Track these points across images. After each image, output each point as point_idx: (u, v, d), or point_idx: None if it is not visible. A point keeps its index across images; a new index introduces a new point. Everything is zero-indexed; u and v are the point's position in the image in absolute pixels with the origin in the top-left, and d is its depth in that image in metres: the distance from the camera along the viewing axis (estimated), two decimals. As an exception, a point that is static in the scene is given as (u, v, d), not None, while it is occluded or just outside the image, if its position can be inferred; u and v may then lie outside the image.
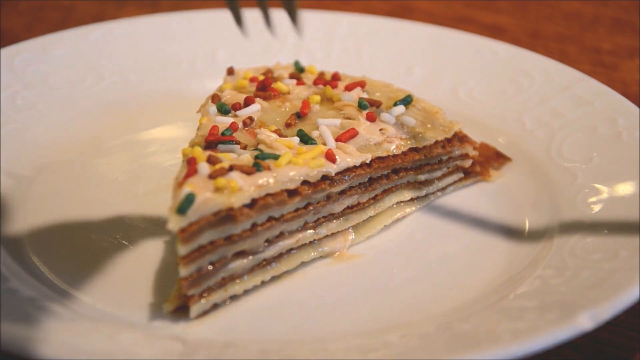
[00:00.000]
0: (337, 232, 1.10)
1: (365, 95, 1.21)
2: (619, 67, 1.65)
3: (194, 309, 0.96)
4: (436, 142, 1.17)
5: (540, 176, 1.21)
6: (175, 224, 0.91)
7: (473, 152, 1.22)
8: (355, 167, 1.07)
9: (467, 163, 1.22)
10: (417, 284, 1.04)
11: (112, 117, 1.36)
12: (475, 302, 0.99)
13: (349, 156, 1.07)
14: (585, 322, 0.85)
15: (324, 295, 1.03)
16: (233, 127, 1.10)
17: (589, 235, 1.04)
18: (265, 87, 1.20)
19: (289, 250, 1.05)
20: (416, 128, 1.17)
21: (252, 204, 0.97)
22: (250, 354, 0.89)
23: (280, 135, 1.09)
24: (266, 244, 1.01)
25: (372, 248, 1.11)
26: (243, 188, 0.96)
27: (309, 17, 1.58)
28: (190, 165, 0.97)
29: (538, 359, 0.85)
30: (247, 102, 1.16)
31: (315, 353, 0.90)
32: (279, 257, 1.04)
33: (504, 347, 0.82)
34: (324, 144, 1.08)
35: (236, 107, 1.15)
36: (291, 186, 1.01)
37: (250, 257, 1.00)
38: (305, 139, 1.08)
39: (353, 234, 1.11)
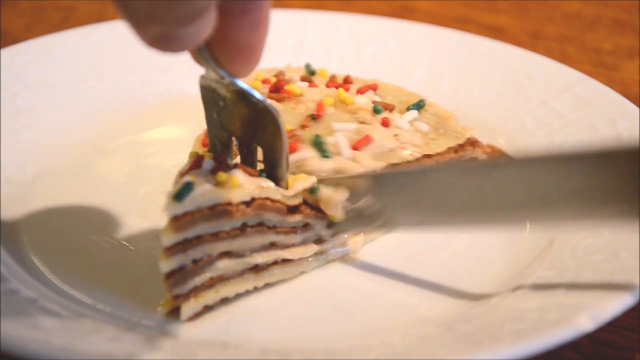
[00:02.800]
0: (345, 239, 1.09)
1: (377, 99, 1.21)
2: (620, 67, 1.65)
3: (185, 310, 0.95)
4: (449, 149, 1.16)
5: (541, 177, 1.20)
6: (171, 210, 0.91)
7: (483, 156, 1.21)
8: None
9: (475, 167, 1.21)
10: (419, 284, 1.04)
11: (112, 117, 1.36)
12: (476, 302, 0.99)
13: (363, 168, 1.06)
14: (586, 323, 0.85)
15: (325, 296, 1.03)
16: None
17: (589, 236, 1.04)
18: (278, 89, 1.21)
19: (287, 260, 1.03)
20: (429, 134, 1.17)
21: (250, 202, 0.96)
22: (250, 355, 0.89)
23: (294, 136, 1.09)
24: (258, 251, 1.00)
25: (373, 249, 1.11)
26: (244, 185, 0.95)
27: (310, 17, 1.58)
28: (195, 161, 0.97)
29: (538, 359, 0.85)
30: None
31: (315, 353, 0.90)
32: (274, 264, 1.02)
33: (505, 348, 0.82)
34: (339, 153, 1.08)
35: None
36: (293, 202, 1.01)
37: (239, 260, 0.99)
38: (322, 149, 1.08)
39: (362, 239, 1.11)
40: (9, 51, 1.39)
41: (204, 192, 0.92)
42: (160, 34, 0.78)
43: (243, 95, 0.95)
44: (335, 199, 1.02)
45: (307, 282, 1.04)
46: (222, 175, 0.94)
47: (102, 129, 1.34)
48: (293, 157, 1.05)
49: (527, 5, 1.94)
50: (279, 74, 1.27)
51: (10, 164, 1.20)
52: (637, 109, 1.25)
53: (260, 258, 1.00)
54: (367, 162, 1.07)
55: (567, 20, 1.87)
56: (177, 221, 0.91)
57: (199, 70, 0.96)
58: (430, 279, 1.05)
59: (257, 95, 0.95)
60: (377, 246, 1.11)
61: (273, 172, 0.99)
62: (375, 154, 1.10)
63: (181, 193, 0.91)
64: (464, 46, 1.48)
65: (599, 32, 1.81)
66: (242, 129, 0.98)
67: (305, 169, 1.05)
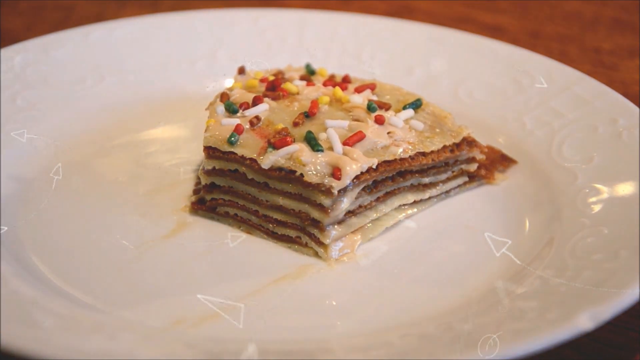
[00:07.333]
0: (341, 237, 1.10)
1: (374, 98, 1.21)
2: (619, 67, 1.65)
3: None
4: (444, 147, 1.16)
5: (541, 176, 1.21)
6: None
7: (480, 156, 1.21)
8: (361, 172, 1.07)
9: (473, 167, 1.21)
10: (418, 284, 1.04)
11: (112, 117, 1.36)
12: (475, 302, 0.99)
13: (355, 162, 1.06)
14: (585, 322, 0.85)
15: (325, 295, 1.03)
16: (238, 130, 1.10)
17: (589, 235, 1.04)
18: (274, 87, 1.21)
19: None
20: (424, 132, 1.16)
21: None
22: (251, 354, 0.89)
23: (288, 134, 1.09)
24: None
25: (373, 248, 1.11)
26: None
27: (310, 17, 1.58)
28: None
29: (538, 359, 0.85)
30: (256, 102, 1.16)
31: (316, 352, 0.90)
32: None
33: (505, 347, 0.82)
34: (331, 148, 1.08)
35: (244, 106, 1.15)
36: None
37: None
38: (313, 144, 1.08)
39: (360, 238, 1.11)
40: (9, 51, 1.39)
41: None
42: None
43: None
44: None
45: (308, 282, 1.04)
46: None
47: (101, 128, 1.34)
48: (284, 151, 1.06)
49: (527, 5, 1.94)
50: (278, 74, 1.27)
51: (10, 164, 1.20)
52: (636, 108, 1.24)
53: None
54: (360, 158, 1.07)
55: (567, 20, 1.87)
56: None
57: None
58: (429, 278, 1.05)
59: None
60: (375, 245, 1.11)
61: None
62: (367, 150, 1.10)
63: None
64: (464, 46, 1.48)
65: (599, 32, 1.81)
66: None
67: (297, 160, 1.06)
